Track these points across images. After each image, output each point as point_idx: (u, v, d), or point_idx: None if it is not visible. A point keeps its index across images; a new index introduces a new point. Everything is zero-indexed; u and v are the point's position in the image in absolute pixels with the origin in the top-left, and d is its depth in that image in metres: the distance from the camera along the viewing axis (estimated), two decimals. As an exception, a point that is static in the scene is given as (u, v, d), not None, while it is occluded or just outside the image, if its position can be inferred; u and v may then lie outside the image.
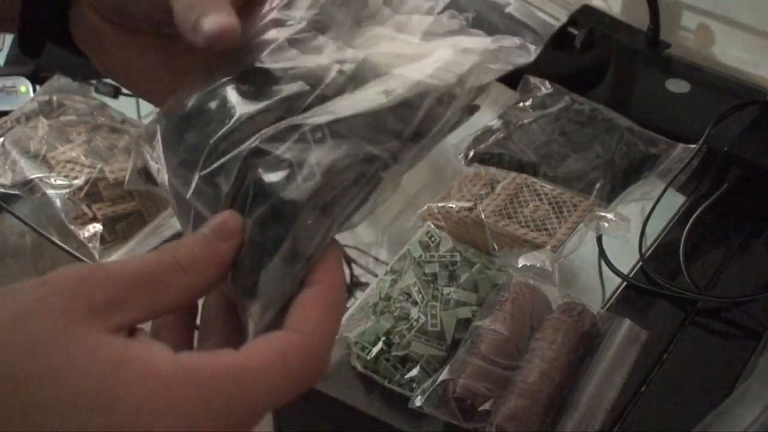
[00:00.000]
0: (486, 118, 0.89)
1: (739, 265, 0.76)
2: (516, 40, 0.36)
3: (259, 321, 0.31)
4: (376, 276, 0.75)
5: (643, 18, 0.96)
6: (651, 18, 0.95)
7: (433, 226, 0.75)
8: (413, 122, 0.32)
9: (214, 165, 0.32)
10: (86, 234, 0.78)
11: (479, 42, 0.35)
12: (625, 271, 0.75)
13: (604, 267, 0.75)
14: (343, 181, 0.31)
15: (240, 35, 0.34)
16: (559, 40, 1.01)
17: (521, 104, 0.89)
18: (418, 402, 0.61)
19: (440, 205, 0.75)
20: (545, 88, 0.90)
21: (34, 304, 0.26)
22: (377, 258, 0.81)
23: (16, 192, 0.83)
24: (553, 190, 0.76)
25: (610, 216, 0.73)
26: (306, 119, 0.32)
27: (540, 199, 0.75)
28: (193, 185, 0.32)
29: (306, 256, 0.30)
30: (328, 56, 0.34)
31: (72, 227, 0.79)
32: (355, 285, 0.78)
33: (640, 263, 0.76)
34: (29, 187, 0.83)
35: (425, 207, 0.76)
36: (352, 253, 0.81)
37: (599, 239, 0.76)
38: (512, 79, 0.93)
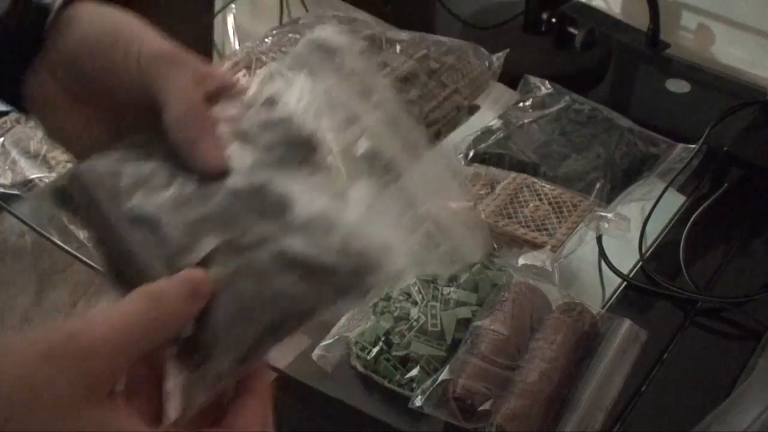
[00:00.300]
0: (486, 118, 0.89)
1: (739, 265, 0.76)
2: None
3: (195, 398, 0.33)
4: (376, 276, 0.75)
5: (643, 18, 0.96)
6: (651, 18, 0.95)
7: (433, 226, 0.75)
8: (360, 288, 0.35)
9: (185, 231, 0.34)
10: (86, 234, 0.78)
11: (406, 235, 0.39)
12: (625, 271, 0.75)
13: (604, 267, 0.75)
14: (292, 314, 0.34)
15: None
16: (559, 40, 1.01)
17: (521, 104, 0.89)
18: (418, 402, 0.61)
19: (440, 205, 0.75)
20: (545, 88, 0.90)
21: (44, 384, 0.28)
22: (377, 258, 0.81)
23: (16, 192, 0.83)
24: (553, 190, 0.76)
25: (610, 216, 0.73)
26: (275, 239, 0.34)
27: (540, 199, 0.75)
28: (160, 235, 0.34)
29: (253, 359, 0.34)
30: (289, 188, 0.36)
31: (72, 227, 0.79)
32: (355, 285, 0.78)
33: (640, 263, 0.76)
34: (29, 187, 0.83)
35: (425, 207, 0.76)
36: (352, 253, 0.81)
37: (599, 239, 0.76)
38: (512, 79, 0.93)
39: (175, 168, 0.37)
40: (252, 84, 0.40)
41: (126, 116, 0.40)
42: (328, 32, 0.42)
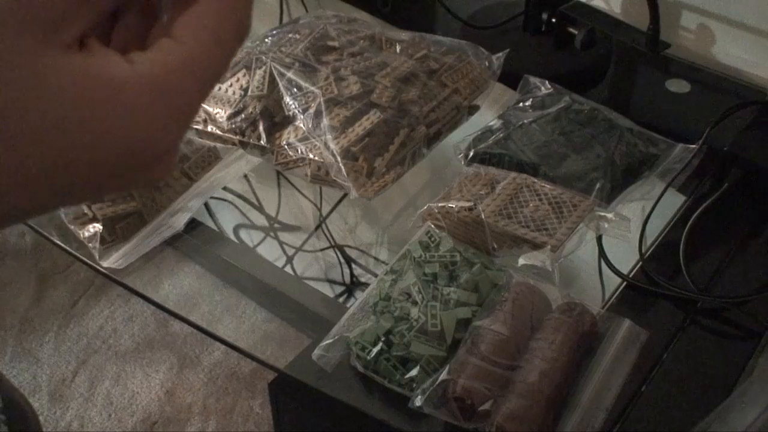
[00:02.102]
0: (486, 118, 0.89)
1: (739, 265, 0.76)
2: None
3: None
4: (376, 276, 0.75)
5: (643, 18, 0.96)
6: (651, 18, 0.95)
7: (433, 226, 0.75)
8: None
9: None
10: (86, 234, 0.78)
11: None
12: (625, 271, 0.75)
13: (604, 267, 0.75)
14: None
15: None
16: (559, 40, 1.01)
17: (521, 104, 0.89)
18: (418, 402, 0.61)
19: (440, 205, 0.75)
20: (545, 88, 0.90)
21: None
22: (377, 258, 0.81)
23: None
24: (553, 190, 0.76)
25: (610, 216, 0.73)
26: None
27: (540, 199, 0.75)
28: None
29: None
30: None
31: (72, 227, 0.79)
32: (355, 285, 0.78)
33: (640, 263, 0.76)
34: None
35: (425, 207, 0.76)
36: (352, 253, 0.81)
37: (599, 239, 0.76)
38: (512, 79, 0.93)
39: None
40: None
41: None
42: None
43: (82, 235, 0.79)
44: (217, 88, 0.85)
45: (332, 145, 0.78)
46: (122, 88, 0.27)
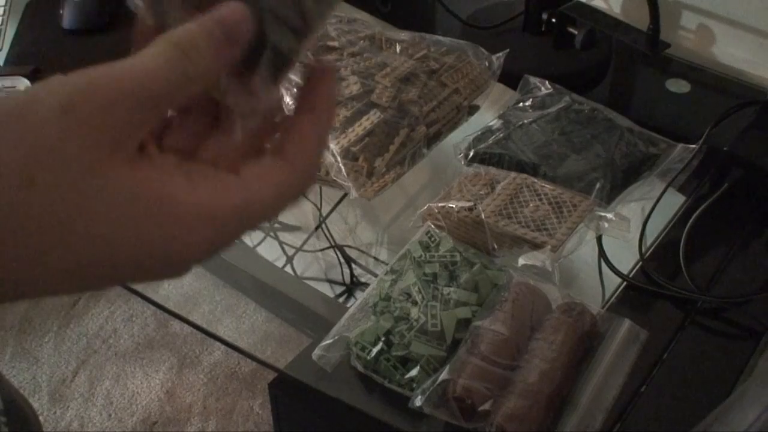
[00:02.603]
0: (486, 118, 0.89)
1: (739, 265, 0.76)
2: None
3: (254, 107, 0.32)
4: (376, 276, 0.75)
5: (643, 18, 0.96)
6: (651, 18, 0.95)
7: (433, 226, 0.75)
8: None
9: None
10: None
11: None
12: (625, 271, 0.75)
13: (604, 267, 0.75)
14: None
15: None
16: (559, 40, 1.01)
17: (521, 104, 0.89)
18: (418, 402, 0.61)
19: (440, 205, 0.75)
20: (545, 88, 0.90)
21: (60, 138, 0.26)
22: (377, 258, 0.81)
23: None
24: (553, 190, 0.76)
25: (610, 216, 0.73)
26: None
27: (540, 199, 0.75)
28: None
29: (310, 31, 0.32)
30: None
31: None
32: (355, 285, 0.78)
33: (640, 263, 0.76)
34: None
35: (425, 207, 0.76)
36: (352, 253, 0.81)
37: (599, 239, 0.76)
38: (512, 79, 0.93)
39: None
40: None
41: None
42: None
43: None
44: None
45: (332, 145, 0.78)
46: (178, 210, 0.28)
